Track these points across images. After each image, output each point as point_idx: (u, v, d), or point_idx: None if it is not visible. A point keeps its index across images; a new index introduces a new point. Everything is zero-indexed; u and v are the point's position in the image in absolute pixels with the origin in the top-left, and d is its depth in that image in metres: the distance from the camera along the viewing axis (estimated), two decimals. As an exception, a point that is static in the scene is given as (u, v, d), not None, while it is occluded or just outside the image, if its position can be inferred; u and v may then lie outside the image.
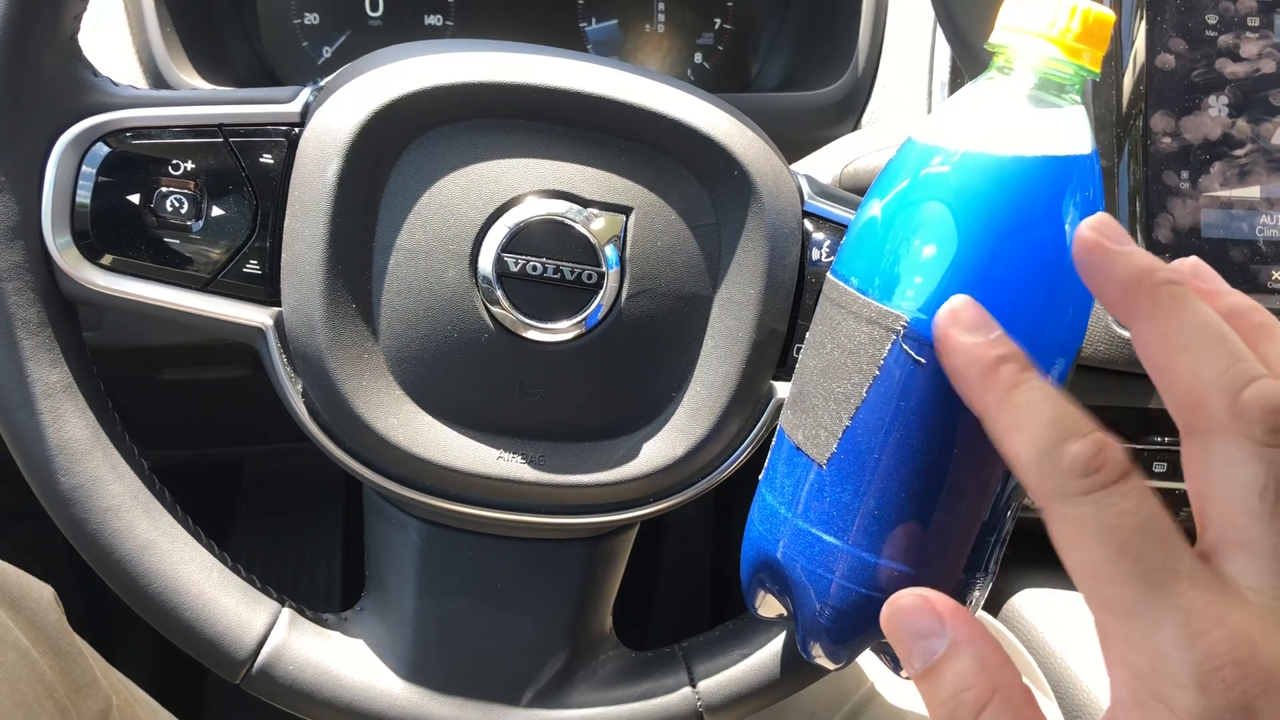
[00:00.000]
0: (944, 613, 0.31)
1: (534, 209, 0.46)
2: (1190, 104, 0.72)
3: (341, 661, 0.50)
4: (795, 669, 0.51)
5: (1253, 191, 0.73)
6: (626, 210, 0.47)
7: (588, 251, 0.46)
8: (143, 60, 0.72)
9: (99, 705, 0.56)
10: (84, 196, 0.45)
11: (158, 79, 0.70)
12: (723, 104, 0.48)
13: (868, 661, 0.65)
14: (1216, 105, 0.72)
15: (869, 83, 0.77)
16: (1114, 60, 0.72)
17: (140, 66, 0.72)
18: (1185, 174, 0.73)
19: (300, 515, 1.28)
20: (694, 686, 0.51)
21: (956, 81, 0.74)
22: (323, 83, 0.48)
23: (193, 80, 0.71)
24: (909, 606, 0.31)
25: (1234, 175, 0.73)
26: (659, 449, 0.48)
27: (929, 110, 0.74)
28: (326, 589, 1.25)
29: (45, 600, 0.56)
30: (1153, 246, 0.72)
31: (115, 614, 1.05)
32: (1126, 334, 0.72)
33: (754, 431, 0.49)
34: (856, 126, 0.77)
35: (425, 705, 0.50)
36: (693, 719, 0.51)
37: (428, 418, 0.47)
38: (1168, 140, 0.73)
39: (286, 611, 0.50)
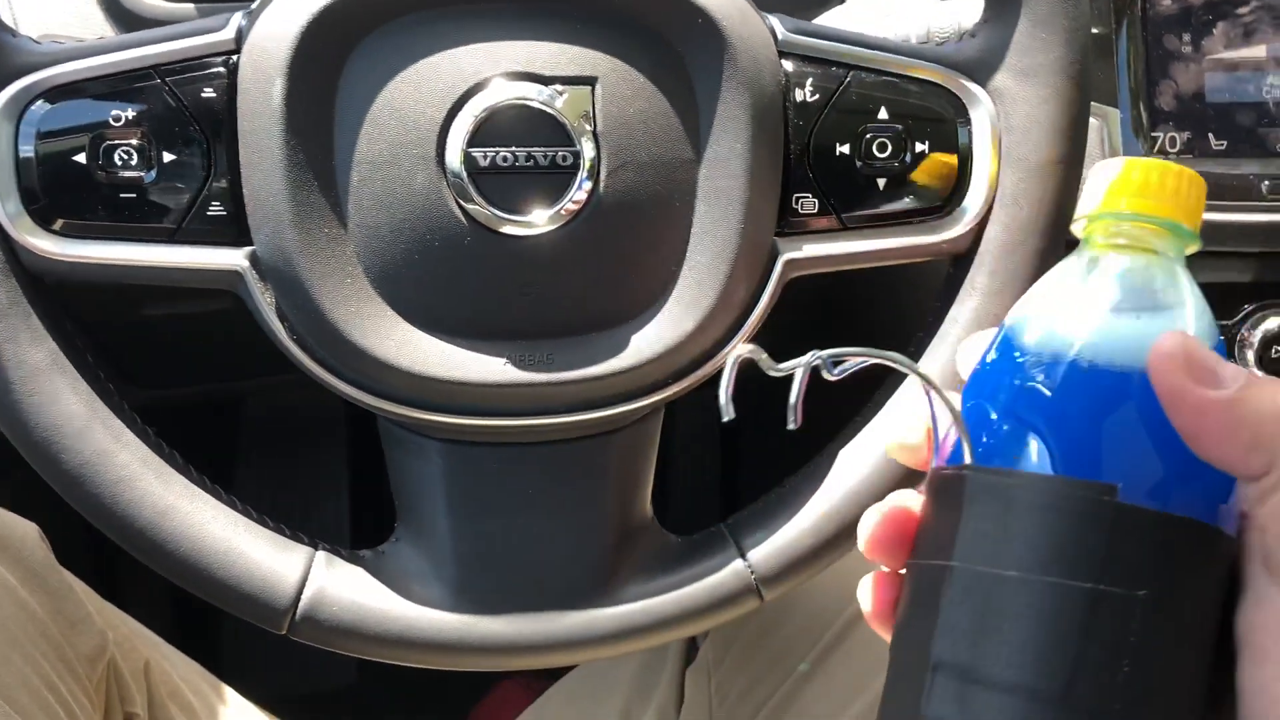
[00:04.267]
0: None
1: (493, 96, 0.44)
2: (1190, -39, 0.69)
3: (385, 595, 0.49)
4: (844, 529, 0.50)
5: (1258, 51, 0.70)
6: (591, 81, 0.44)
7: (558, 132, 0.44)
8: None
9: (95, 640, 0.55)
10: (28, 164, 0.44)
11: None
12: None
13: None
14: (1218, -40, 0.69)
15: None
16: (1109, -80, 0.69)
17: None
18: (1187, 37, 0.70)
19: (304, 449, 1.27)
20: (745, 559, 0.50)
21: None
22: (253, 5, 0.46)
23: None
24: None
25: (1238, 35, 0.70)
26: (668, 327, 0.46)
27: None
28: (335, 522, 1.25)
29: (30, 538, 0.55)
30: (1155, 115, 0.70)
31: (122, 559, 1.05)
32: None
33: (764, 294, 0.48)
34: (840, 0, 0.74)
35: (476, 625, 0.49)
36: (749, 593, 0.50)
37: (425, 334, 0.46)
38: (1167, 2, 0.70)
39: (321, 554, 0.49)
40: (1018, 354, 0.32)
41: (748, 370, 0.35)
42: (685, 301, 0.46)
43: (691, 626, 0.50)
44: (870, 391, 0.51)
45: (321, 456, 1.27)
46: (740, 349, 0.34)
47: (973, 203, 0.48)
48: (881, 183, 0.48)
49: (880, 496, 0.49)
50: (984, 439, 0.32)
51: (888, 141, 0.48)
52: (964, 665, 0.30)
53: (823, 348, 0.34)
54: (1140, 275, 0.32)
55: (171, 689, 0.62)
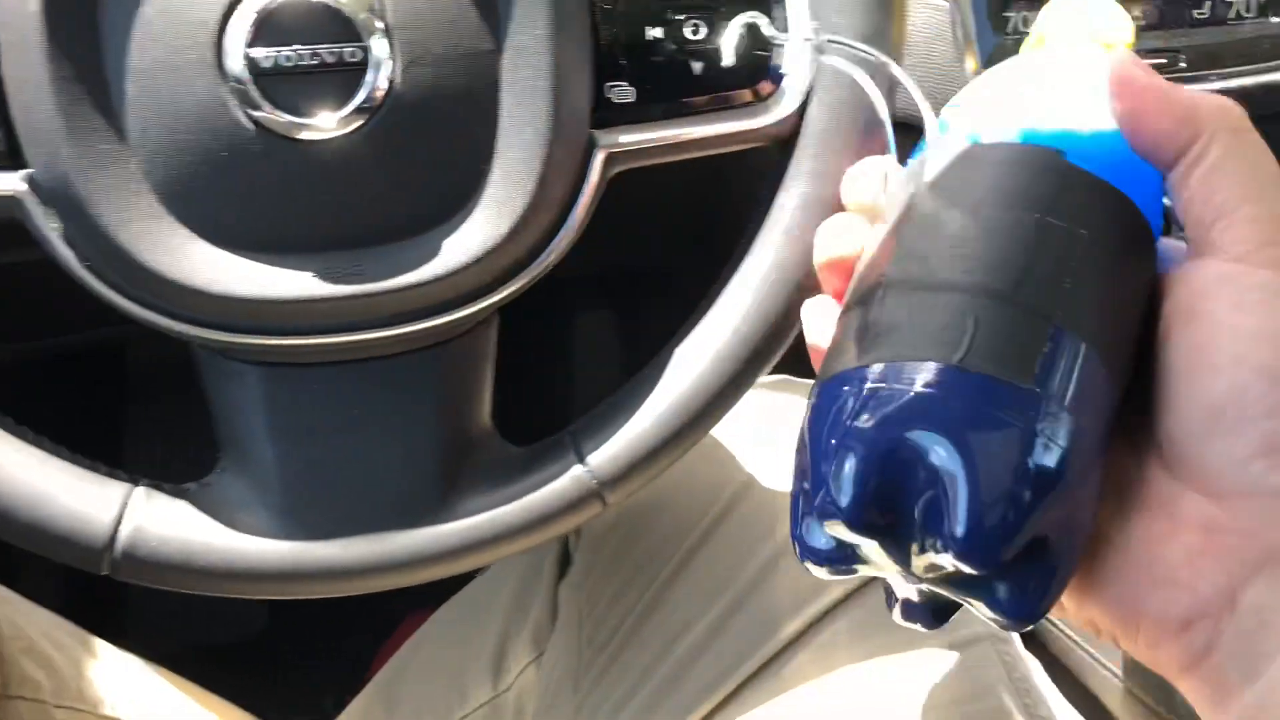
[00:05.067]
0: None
1: None
2: None
3: (209, 527, 0.47)
4: (683, 427, 0.49)
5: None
6: None
7: (344, 27, 0.41)
8: None
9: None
10: None
11: None
12: None
13: (740, 453, 0.63)
14: None
15: None
16: None
17: None
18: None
19: (196, 396, 1.24)
20: (585, 465, 0.49)
21: None
22: None
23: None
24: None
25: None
26: (482, 229, 0.45)
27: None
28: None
29: None
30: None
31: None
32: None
33: (584, 189, 0.46)
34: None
35: (306, 552, 0.47)
36: (591, 498, 0.49)
37: (222, 251, 0.43)
38: None
39: (140, 490, 0.47)
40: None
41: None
42: (499, 201, 0.45)
43: (535, 536, 0.49)
44: (704, 291, 0.50)
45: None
46: (744, 15, 0.38)
47: (792, 84, 0.47)
48: (697, 67, 0.46)
49: (714, 392, 0.48)
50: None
51: (700, 24, 0.46)
52: (917, 276, 0.32)
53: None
54: None
55: (26, 645, 0.60)
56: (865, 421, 0.30)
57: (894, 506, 0.31)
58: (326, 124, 0.42)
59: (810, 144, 0.47)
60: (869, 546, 0.32)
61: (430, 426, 0.48)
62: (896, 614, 0.35)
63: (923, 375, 0.30)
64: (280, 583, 0.47)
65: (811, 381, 0.68)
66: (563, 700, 0.61)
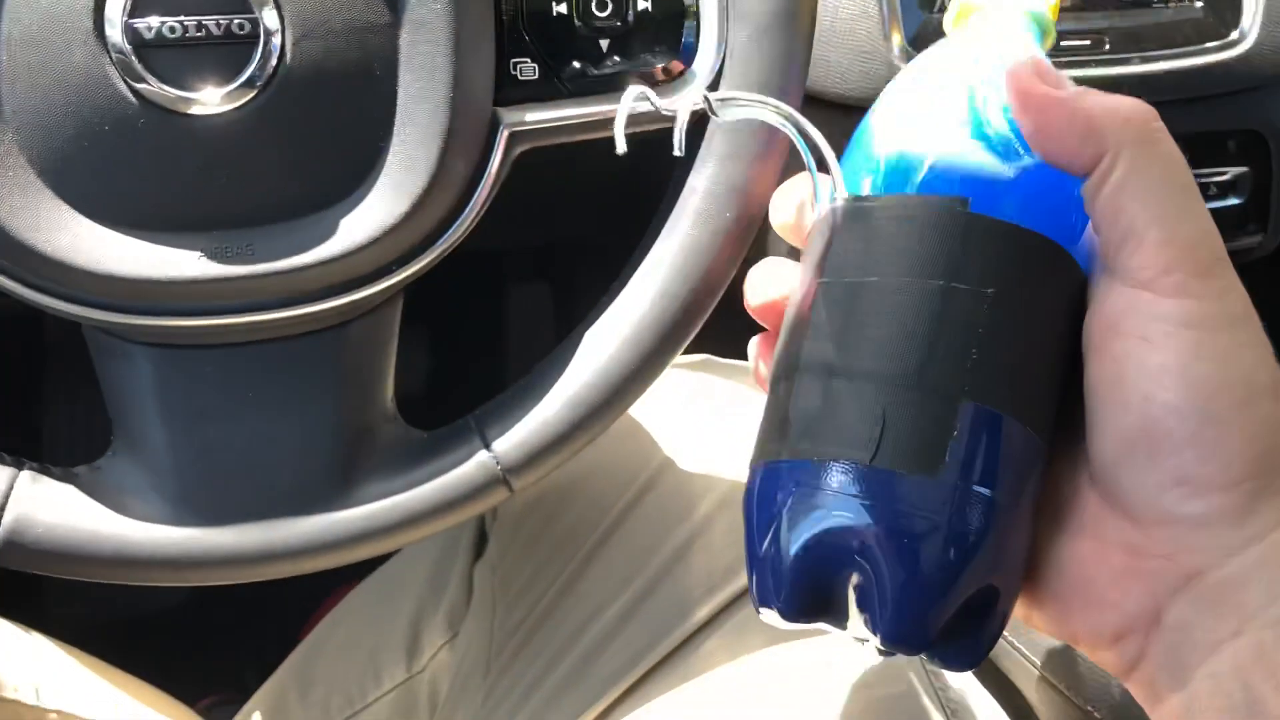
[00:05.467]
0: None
1: None
2: None
3: (98, 513, 0.45)
4: (590, 413, 0.48)
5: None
6: None
7: None
8: None
9: None
10: None
11: None
12: None
13: (660, 434, 0.62)
14: None
15: None
16: None
17: None
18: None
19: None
20: (490, 450, 0.47)
21: None
22: None
23: None
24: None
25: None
26: (380, 209, 0.43)
27: None
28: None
29: None
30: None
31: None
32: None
33: (489, 168, 0.45)
34: None
35: (200, 538, 0.46)
36: (496, 484, 0.48)
37: (107, 229, 0.42)
38: None
39: (26, 473, 0.45)
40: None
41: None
42: (396, 180, 0.43)
43: (439, 523, 0.48)
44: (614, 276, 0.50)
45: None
46: (634, 89, 0.36)
47: (702, 63, 0.46)
48: (605, 44, 0.45)
49: (622, 377, 0.48)
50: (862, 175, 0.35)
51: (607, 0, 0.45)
52: (828, 362, 0.32)
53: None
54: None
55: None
56: (789, 520, 0.32)
57: (828, 593, 0.32)
58: (213, 98, 0.40)
59: (720, 125, 0.46)
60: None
61: (329, 410, 0.47)
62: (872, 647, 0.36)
63: (837, 475, 0.31)
64: (172, 570, 0.46)
65: (731, 362, 0.68)
66: (474, 684, 0.60)
